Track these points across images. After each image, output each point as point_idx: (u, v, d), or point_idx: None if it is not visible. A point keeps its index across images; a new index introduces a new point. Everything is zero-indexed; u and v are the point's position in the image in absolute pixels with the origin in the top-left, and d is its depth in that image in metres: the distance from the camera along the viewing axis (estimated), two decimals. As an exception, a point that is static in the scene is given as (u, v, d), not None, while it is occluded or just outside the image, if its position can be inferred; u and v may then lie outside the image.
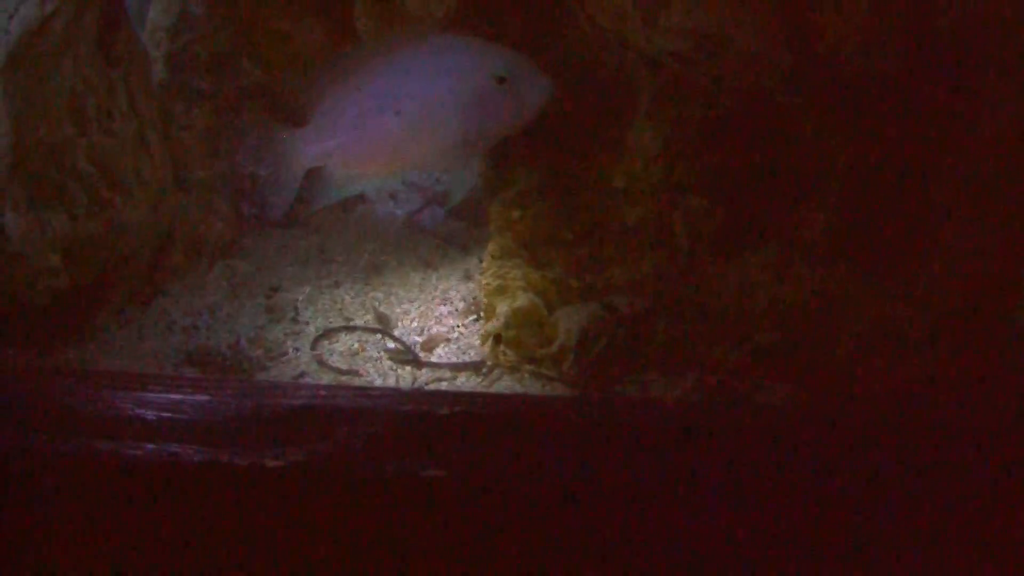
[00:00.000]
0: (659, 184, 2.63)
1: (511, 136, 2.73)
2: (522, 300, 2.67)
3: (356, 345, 2.71)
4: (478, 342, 2.72)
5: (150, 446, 2.11)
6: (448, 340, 2.75)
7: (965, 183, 2.33)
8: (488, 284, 2.74)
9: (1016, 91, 2.23)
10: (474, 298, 2.88)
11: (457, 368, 2.64)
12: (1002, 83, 2.23)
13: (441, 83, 2.62)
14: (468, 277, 2.99)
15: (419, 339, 2.73)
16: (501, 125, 2.63)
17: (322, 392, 2.24)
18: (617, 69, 2.63)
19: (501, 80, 2.58)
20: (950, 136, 2.31)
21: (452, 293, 2.94)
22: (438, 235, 3.26)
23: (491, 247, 2.82)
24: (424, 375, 2.62)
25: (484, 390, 2.50)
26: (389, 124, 2.66)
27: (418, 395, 2.33)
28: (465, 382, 2.59)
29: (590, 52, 2.65)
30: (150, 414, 2.15)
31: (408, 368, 2.64)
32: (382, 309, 2.83)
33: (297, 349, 2.68)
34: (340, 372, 2.61)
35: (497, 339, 2.65)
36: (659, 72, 2.53)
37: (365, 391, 2.29)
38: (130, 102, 2.62)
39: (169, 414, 2.15)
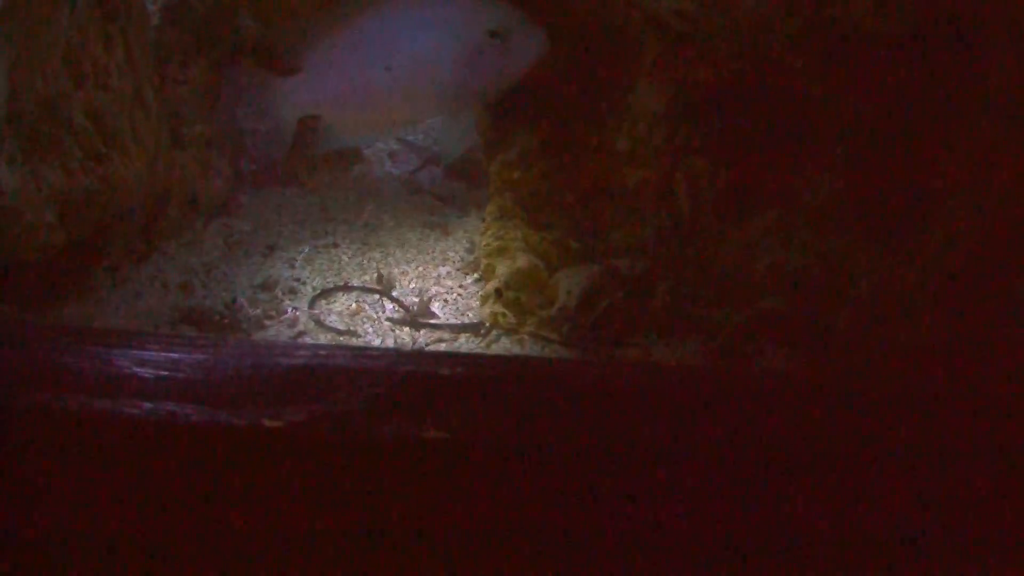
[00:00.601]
0: (662, 146, 2.61)
1: (508, 92, 2.71)
2: (522, 261, 2.65)
3: (354, 305, 2.69)
4: (477, 303, 2.70)
5: (147, 405, 2.08)
6: (447, 301, 2.73)
7: (972, 147, 2.30)
8: (488, 245, 2.72)
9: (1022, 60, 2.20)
10: (473, 258, 2.86)
11: (456, 329, 2.62)
12: (1012, 46, 2.20)
13: (432, 37, 2.58)
14: (467, 238, 2.96)
15: (417, 300, 2.71)
16: (494, 79, 2.60)
17: (321, 352, 2.21)
18: (622, 29, 2.60)
19: (494, 34, 2.55)
20: (958, 99, 2.28)
21: (451, 254, 2.91)
22: (436, 195, 3.23)
23: (490, 207, 2.80)
24: (423, 336, 2.60)
25: (484, 351, 2.48)
26: (379, 78, 2.63)
27: (418, 356, 2.31)
28: (464, 343, 2.58)
29: (594, 11, 2.61)
30: (147, 372, 2.12)
31: (407, 329, 2.62)
32: (380, 269, 2.81)
33: (295, 308, 2.65)
34: (338, 332, 2.58)
35: (497, 298, 2.63)
36: (664, 32, 2.49)
37: (364, 351, 2.26)
38: (127, 57, 2.57)
39: (167, 372, 2.13)
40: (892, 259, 2.40)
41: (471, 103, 2.67)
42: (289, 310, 2.64)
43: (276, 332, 2.55)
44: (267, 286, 2.71)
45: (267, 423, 2.08)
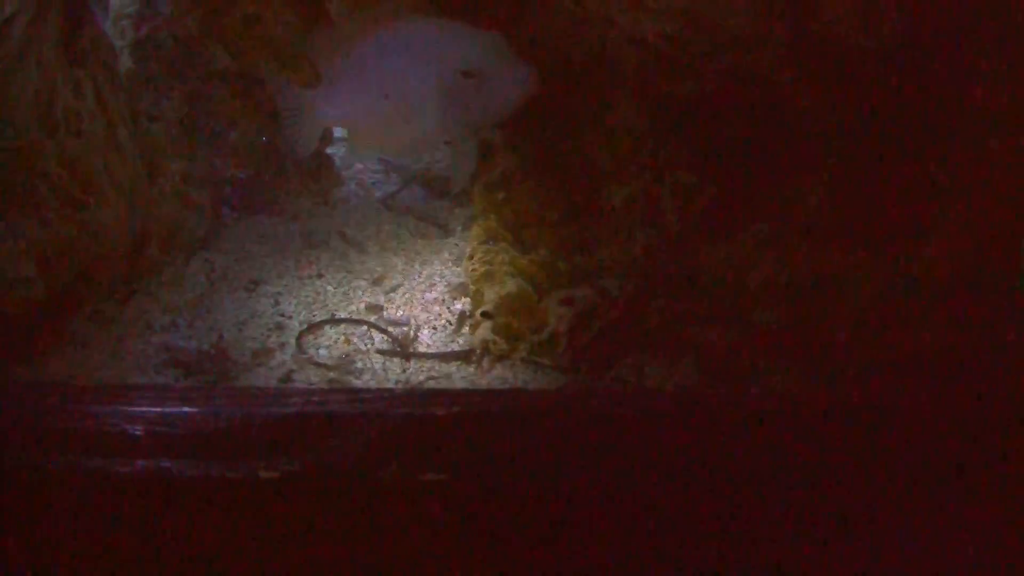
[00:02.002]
0: (646, 162, 2.58)
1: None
2: (510, 286, 2.61)
3: (342, 339, 2.65)
4: (467, 329, 2.67)
5: (141, 462, 2.05)
6: (435, 328, 2.70)
7: (962, 156, 2.28)
8: (475, 270, 2.69)
9: (1014, 65, 2.18)
10: (460, 282, 2.82)
11: (447, 357, 2.59)
12: (1001, 57, 2.18)
13: (417, 70, 2.55)
14: (452, 260, 2.93)
15: (405, 328, 2.67)
16: (477, 115, 2.55)
17: (314, 398, 2.18)
18: (600, 46, 2.57)
19: (467, 74, 2.50)
20: (949, 112, 2.26)
21: (437, 278, 2.88)
22: (419, 216, 3.19)
23: (476, 231, 2.76)
24: (413, 366, 2.57)
25: (479, 387, 2.45)
26: (379, 104, 2.60)
27: (413, 396, 2.28)
28: (456, 371, 2.55)
29: (572, 29, 2.58)
30: (138, 429, 2.09)
31: (397, 360, 2.59)
32: (366, 298, 2.78)
33: (282, 345, 2.62)
34: (328, 368, 2.55)
35: (487, 325, 2.60)
36: (644, 50, 2.46)
37: (358, 394, 2.23)
38: (97, 99, 2.52)
39: (158, 428, 2.09)
40: (886, 271, 2.39)
41: (468, 134, 2.62)
42: (276, 348, 2.60)
43: (265, 373, 2.51)
44: (253, 323, 2.67)
45: (262, 474, 2.06)
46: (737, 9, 2.21)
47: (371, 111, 2.62)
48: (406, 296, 2.80)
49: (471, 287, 2.69)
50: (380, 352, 2.61)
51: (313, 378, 2.51)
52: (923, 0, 2.16)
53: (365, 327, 2.68)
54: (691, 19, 2.25)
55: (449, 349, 2.61)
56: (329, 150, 3.30)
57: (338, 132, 3.23)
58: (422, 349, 2.62)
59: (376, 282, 2.86)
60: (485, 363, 2.56)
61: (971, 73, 2.21)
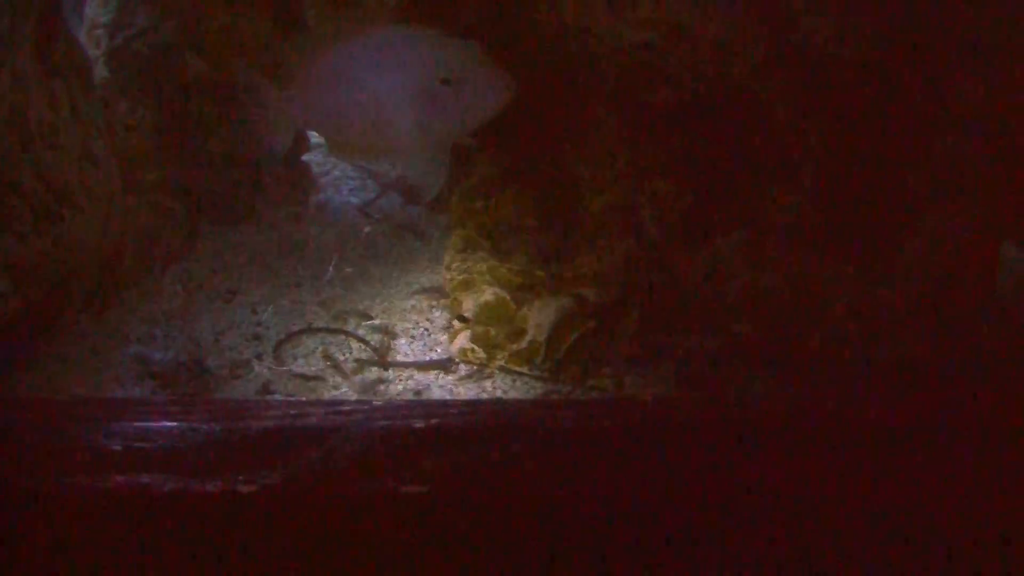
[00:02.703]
0: (624, 170, 2.58)
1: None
2: (489, 294, 2.61)
3: (320, 348, 2.64)
4: (445, 337, 2.66)
5: (120, 478, 2.04)
6: (414, 337, 2.69)
7: (940, 164, 2.30)
8: (453, 278, 2.69)
9: (989, 75, 2.19)
10: (437, 289, 2.82)
11: (425, 367, 2.59)
12: (976, 67, 2.19)
13: (392, 78, 2.54)
14: (431, 268, 2.92)
15: (384, 337, 2.67)
16: (453, 123, 2.55)
17: (292, 411, 2.18)
18: (579, 54, 2.57)
19: (445, 81, 2.50)
20: (926, 120, 2.27)
21: (415, 286, 2.87)
22: (397, 223, 3.19)
23: (454, 239, 2.76)
24: (392, 375, 2.57)
25: (457, 399, 2.45)
26: (352, 110, 2.59)
27: (391, 408, 2.27)
28: (434, 380, 2.54)
29: (551, 38, 2.58)
30: (117, 445, 2.07)
31: (375, 369, 2.58)
32: (344, 306, 2.77)
33: (260, 355, 2.60)
34: (306, 378, 2.54)
35: (465, 334, 2.60)
36: (624, 57, 2.46)
37: (336, 406, 2.23)
38: (73, 111, 2.50)
39: (137, 443, 2.08)
40: (864, 279, 2.40)
41: (442, 142, 2.61)
42: (254, 359, 2.59)
43: (243, 384, 2.50)
44: (230, 334, 2.66)
45: (241, 488, 2.05)
46: (716, 19, 2.21)
47: (346, 116, 2.61)
48: (384, 304, 2.80)
49: (449, 295, 2.69)
50: (358, 361, 2.60)
51: (291, 389, 2.50)
52: (898, 12, 2.17)
53: (343, 336, 2.68)
54: (670, 28, 2.25)
55: (427, 358, 2.61)
56: (306, 157, 3.29)
57: (316, 138, 3.22)
58: (400, 358, 2.62)
59: (353, 289, 2.85)
60: (463, 372, 2.56)
61: (946, 82, 2.23)
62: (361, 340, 2.66)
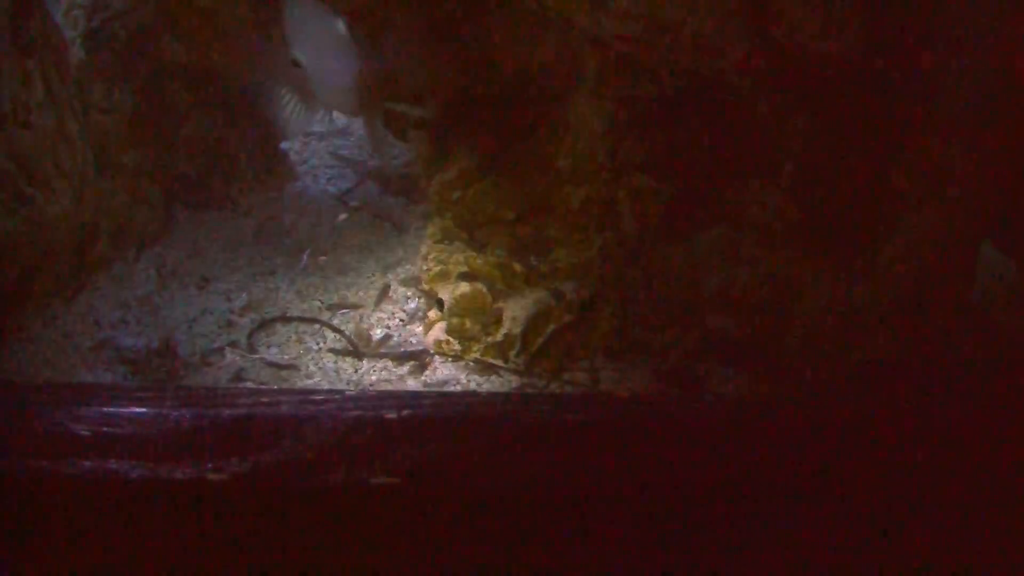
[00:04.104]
0: (604, 163, 2.56)
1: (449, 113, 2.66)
2: (465, 286, 2.59)
3: (293, 337, 2.62)
4: (420, 328, 2.65)
5: (87, 463, 2.02)
6: (389, 327, 2.67)
7: (921, 163, 2.29)
8: (429, 269, 2.66)
9: (971, 74, 2.19)
10: (413, 280, 2.80)
11: (400, 358, 2.57)
12: (959, 65, 2.18)
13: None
14: (407, 259, 2.90)
15: (358, 326, 2.65)
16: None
17: (264, 399, 2.15)
18: (560, 46, 2.55)
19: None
20: (907, 119, 2.26)
21: (390, 275, 2.85)
22: (374, 212, 3.16)
23: (431, 229, 2.74)
24: (366, 365, 2.55)
25: (431, 390, 2.43)
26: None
27: (364, 398, 2.25)
28: (408, 372, 2.52)
29: (532, 29, 2.56)
30: (85, 429, 2.05)
31: (349, 359, 2.56)
32: (319, 295, 2.75)
33: (233, 343, 2.58)
34: (279, 367, 2.52)
35: (440, 325, 2.58)
36: (605, 50, 2.44)
37: (309, 395, 2.20)
38: (47, 91, 2.47)
39: (105, 429, 2.06)
40: (842, 276, 2.39)
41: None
42: (227, 347, 2.56)
43: (215, 371, 2.48)
44: (203, 321, 2.64)
45: (211, 476, 2.03)
46: (699, 13, 2.19)
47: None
48: (359, 294, 2.78)
49: (425, 286, 2.67)
50: (332, 351, 2.58)
51: (264, 377, 2.48)
52: (882, 9, 2.16)
53: (318, 325, 2.66)
54: (653, 22, 2.23)
55: (402, 350, 2.59)
56: (283, 145, 3.27)
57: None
58: (374, 348, 2.60)
59: (329, 278, 2.83)
60: (437, 363, 2.55)
61: (929, 81, 2.22)
62: (335, 330, 2.64)
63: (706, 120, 2.48)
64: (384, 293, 2.77)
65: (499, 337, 2.53)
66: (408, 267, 2.87)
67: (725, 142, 2.48)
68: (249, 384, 2.42)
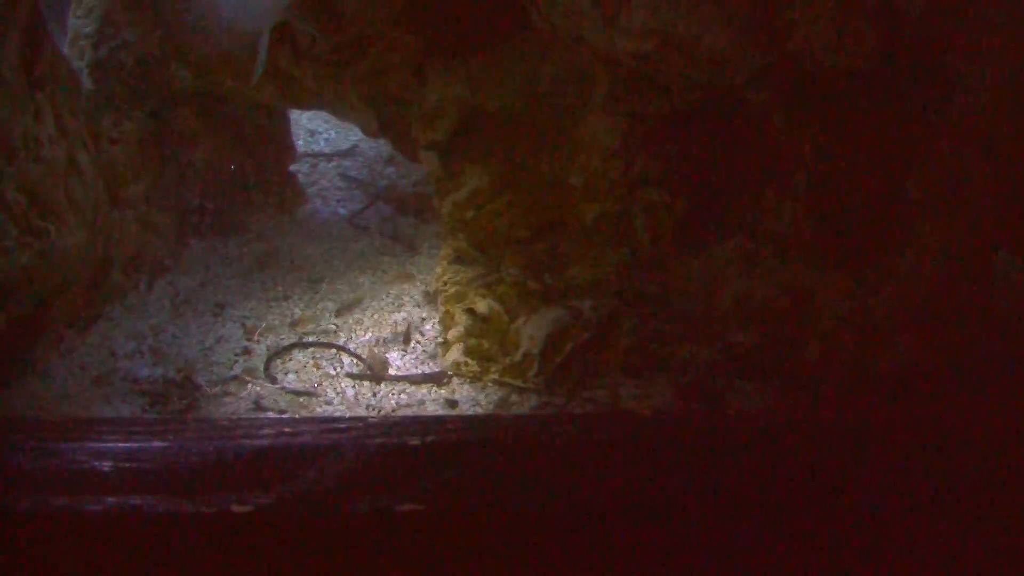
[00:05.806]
0: (618, 179, 2.55)
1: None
2: (482, 307, 2.58)
3: (311, 362, 2.61)
4: (438, 350, 2.63)
5: (110, 499, 2.00)
6: (406, 350, 2.66)
7: (936, 173, 2.28)
8: (445, 291, 2.65)
9: (987, 83, 2.17)
10: (427, 296, 2.79)
11: (418, 381, 2.55)
12: (973, 75, 2.17)
13: None
14: (422, 279, 2.89)
15: (376, 350, 2.63)
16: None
17: (286, 429, 2.14)
18: (572, 63, 2.53)
19: None
20: (921, 131, 2.25)
21: (405, 298, 2.84)
22: (385, 234, 3.15)
23: (445, 250, 2.72)
24: (384, 389, 2.53)
25: (453, 415, 2.41)
26: None
27: (387, 425, 2.23)
28: (427, 394, 2.51)
29: (542, 46, 2.54)
30: (107, 466, 2.03)
31: (367, 383, 2.55)
32: (334, 319, 2.74)
33: (251, 370, 2.56)
34: (298, 393, 2.50)
35: (458, 346, 2.57)
36: (617, 67, 2.43)
37: (331, 423, 2.19)
38: (57, 124, 2.46)
39: (127, 464, 2.04)
40: (859, 288, 2.38)
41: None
42: (244, 374, 2.54)
43: (235, 401, 2.46)
44: (219, 349, 2.62)
45: (235, 508, 2.01)
46: (712, 28, 2.18)
47: None
48: (375, 316, 2.76)
49: (442, 308, 2.65)
50: (350, 376, 2.57)
51: (283, 404, 2.46)
52: (894, 22, 2.15)
53: (335, 350, 2.64)
54: (665, 38, 2.22)
55: (420, 372, 2.58)
56: (293, 167, 3.26)
57: (303, 148, 3.19)
58: (392, 372, 2.58)
59: (343, 302, 2.81)
60: (456, 385, 2.53)
61: (941, 92, 2.21)
62: (353, 354, 2.63)
63: (719, 133, 2.47)
64: (401, 319, 2.76)
65: (518, 357, 2.52)
66: (423, 287, 2.85)
67: (739, 155, 2.47)
68: (270, 413, 2.41)
